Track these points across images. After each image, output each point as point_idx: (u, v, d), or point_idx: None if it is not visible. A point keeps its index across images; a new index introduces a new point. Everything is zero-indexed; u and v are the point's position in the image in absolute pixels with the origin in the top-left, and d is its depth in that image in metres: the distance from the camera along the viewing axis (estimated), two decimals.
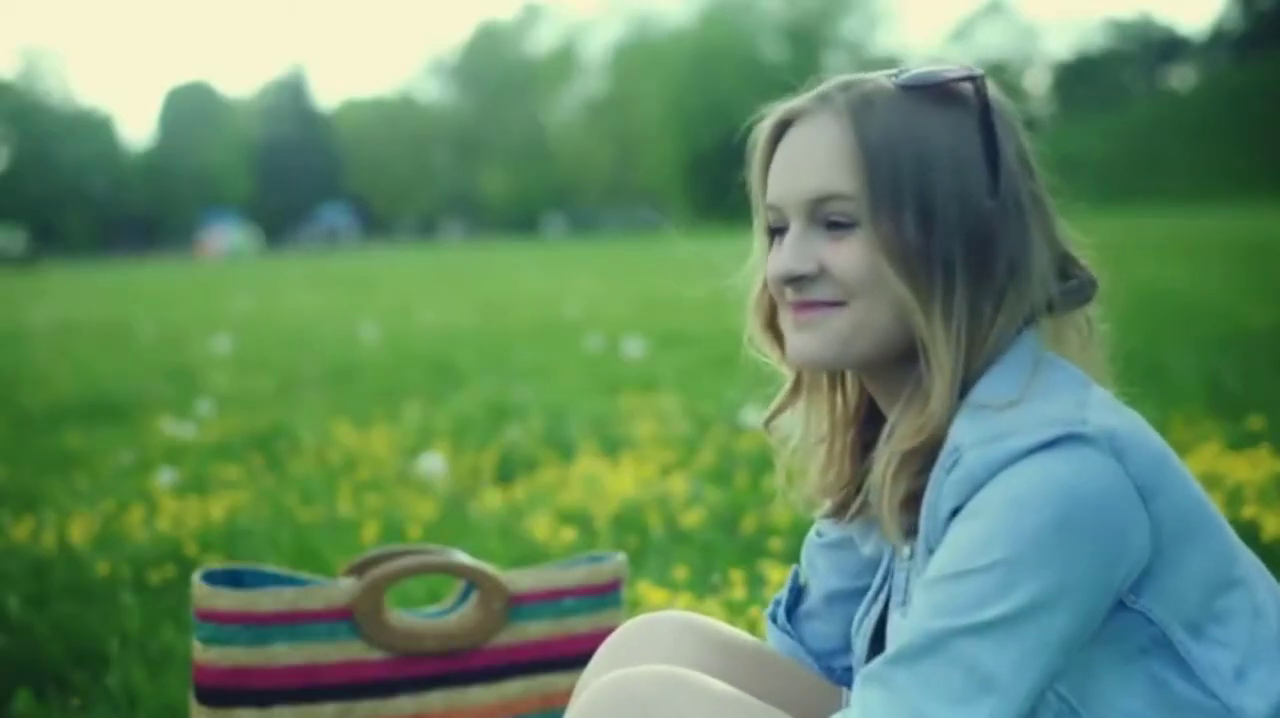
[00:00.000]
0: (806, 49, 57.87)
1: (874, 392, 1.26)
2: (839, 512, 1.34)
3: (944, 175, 1.15)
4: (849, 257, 1.16)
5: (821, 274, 1.18)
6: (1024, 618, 1.03)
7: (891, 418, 1.20)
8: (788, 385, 1.33)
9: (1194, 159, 44.21)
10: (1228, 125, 45.27)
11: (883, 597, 1.30)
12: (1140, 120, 49.83)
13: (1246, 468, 3.31)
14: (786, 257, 1.19)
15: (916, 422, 1.15)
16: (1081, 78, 59.06)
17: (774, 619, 1.49)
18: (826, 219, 1.17)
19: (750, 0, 64.64)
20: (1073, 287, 1.21)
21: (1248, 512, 2.87)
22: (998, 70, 1.26)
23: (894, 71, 1.21)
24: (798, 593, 1.48)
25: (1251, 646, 1.12)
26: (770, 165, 1.23)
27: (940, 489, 1.10)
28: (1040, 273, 1.17)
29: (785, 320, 1.23)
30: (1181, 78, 60.04)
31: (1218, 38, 58.91)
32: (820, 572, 1.44)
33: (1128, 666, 1.10)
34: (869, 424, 1.30)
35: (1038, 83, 60.78)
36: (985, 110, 1.17)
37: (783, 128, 1.23)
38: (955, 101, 1.18)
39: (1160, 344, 5.97)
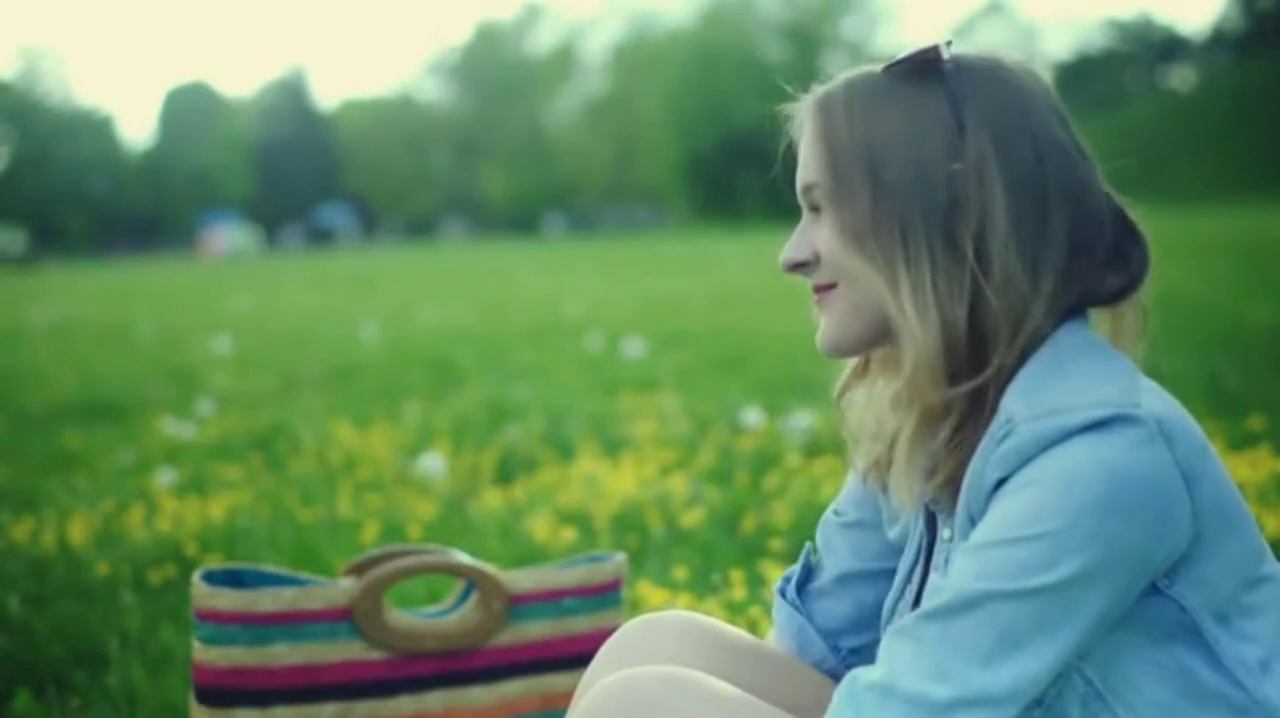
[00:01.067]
0: (806, 49, 57.87)
1: None
2: (874, 469, 1.33)
3: (897, 146, 1.15)
4: (821, 240, 1.20)
5: (817, 260, 1.22)
6: (1065, 590, 1.04)
7: None
8: (851, 364, 1.33)
9: (1194, 159, 44.19)
10: (1228, 125, 45.24)
11: (915, 582, 1.30)
12: (1140, 120, 49.82)
13: (1246, 468, 3.31)
14: (787, 245, 1.24)
15: (900, 393, 1.15)
16: (1081, 78, 58.98)
17: (783, 594, 1.48)
18: (813, 207, 1.23)
19: (750, 0, 64.65)
20: (1128, 274, 1.20)
21: None
22: None
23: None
24: (809, 571, 1.48)
25: (1276, 641, 1.13)
26: None
27: (988, 458, 1.10)
28: (1037, 241, 1.14)
29: None
30: (1181, 78, 60.01)
31: (1218, 38, 58.87)
32: (837, 552, 1.44)
33: (1156, 652, 1.11)
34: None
35: None
36: (947, 77, 1.17)
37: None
38: (928, 77, 1.18)
39: (1160, 344, 5.93)
